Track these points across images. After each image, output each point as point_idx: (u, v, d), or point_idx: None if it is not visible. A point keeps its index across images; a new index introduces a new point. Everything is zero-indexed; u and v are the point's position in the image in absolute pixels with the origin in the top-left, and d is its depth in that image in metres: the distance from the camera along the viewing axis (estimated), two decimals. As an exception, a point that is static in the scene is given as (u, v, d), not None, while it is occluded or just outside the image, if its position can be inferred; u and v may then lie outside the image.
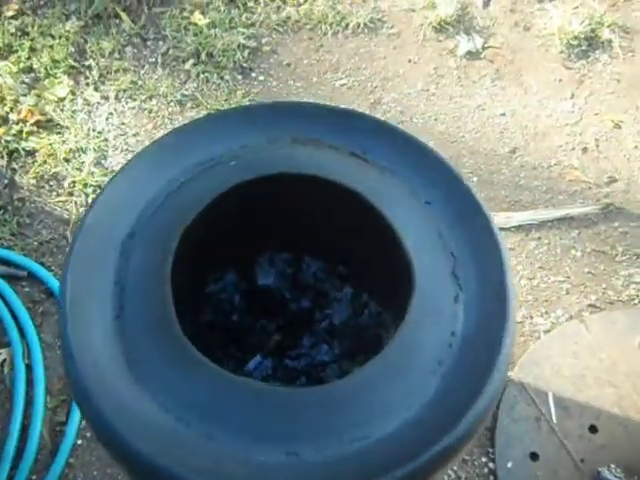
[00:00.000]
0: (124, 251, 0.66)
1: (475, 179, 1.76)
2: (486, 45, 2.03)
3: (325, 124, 0.76)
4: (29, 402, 1.39)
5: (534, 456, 1.32)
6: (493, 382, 0.60)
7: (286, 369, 0.86)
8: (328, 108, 0.80)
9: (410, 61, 1.98)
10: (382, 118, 1.82)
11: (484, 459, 1.39)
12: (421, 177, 0.71)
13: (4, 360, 1.44)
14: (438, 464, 0.58)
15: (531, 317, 1.57)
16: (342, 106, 0.69)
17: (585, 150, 1.83)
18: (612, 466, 1.31)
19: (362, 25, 2.02)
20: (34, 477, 1.32)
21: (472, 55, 2.00)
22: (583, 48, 2.03)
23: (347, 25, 2.02)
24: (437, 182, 0.72)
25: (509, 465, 1.33)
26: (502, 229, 1.66)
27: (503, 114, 1.89)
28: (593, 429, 1.34)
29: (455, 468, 1.39)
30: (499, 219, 1.67)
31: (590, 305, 1.59)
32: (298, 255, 0.91)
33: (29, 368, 1.42)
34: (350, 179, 0.71)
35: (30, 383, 1.41)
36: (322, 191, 0.71)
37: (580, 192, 1.75)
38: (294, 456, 0.57)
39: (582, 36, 2.03)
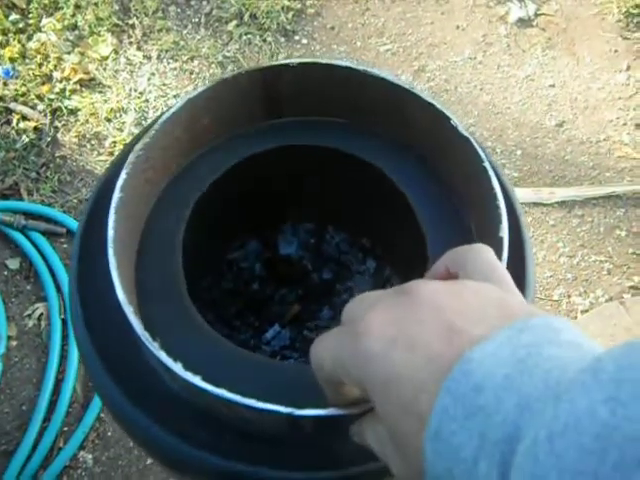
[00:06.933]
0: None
1: (519, 152, 1.71)
2: (539, 12, 1.96)
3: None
4: (64, 356, 1.43)
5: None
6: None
7: (304, 340, 0.86)
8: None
9: (458, 27, 1.92)
10: (426, 86, 1.80)
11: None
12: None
13: (41, 314, 1.48)
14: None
15: (569, 296, 1.53)
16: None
17: (639, 126, 1.76)
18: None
19: (410, -12, 1.97)
20: (65, 429, 1.36)
21: (523, 22, 1.93)
22: (644, 17, 1.94)
23: (395, -12, 1.97)
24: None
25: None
26: (544, 205, 1.61)
27: (552, 85, 1.83)
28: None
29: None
30: (542, 194, 1.63)
31: (632, 287, 1.54)
32: (322, 225, 0.90)
33: (65, 323, 1.46)
34: (370, 154, 0.69)
35: (65, 338, 1.45)
36: (342, 164, 0.70)
37: (629, 169, 1.69)
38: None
39: (644, 4, 1.95)
